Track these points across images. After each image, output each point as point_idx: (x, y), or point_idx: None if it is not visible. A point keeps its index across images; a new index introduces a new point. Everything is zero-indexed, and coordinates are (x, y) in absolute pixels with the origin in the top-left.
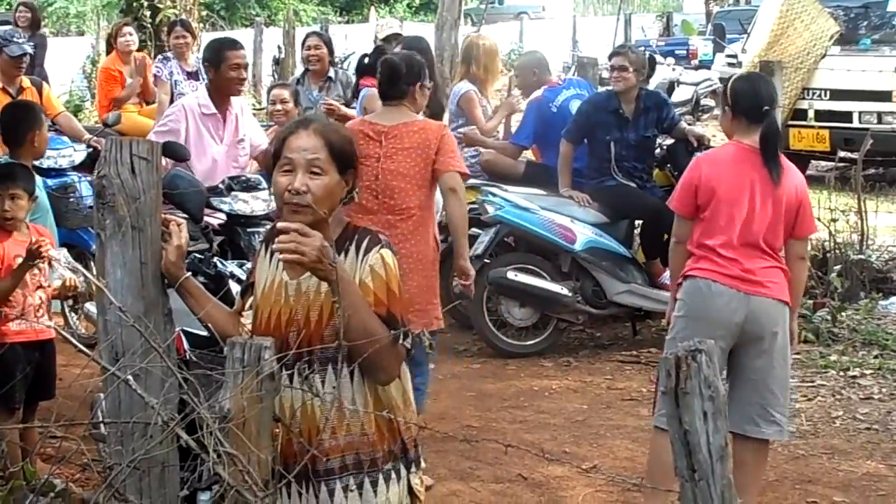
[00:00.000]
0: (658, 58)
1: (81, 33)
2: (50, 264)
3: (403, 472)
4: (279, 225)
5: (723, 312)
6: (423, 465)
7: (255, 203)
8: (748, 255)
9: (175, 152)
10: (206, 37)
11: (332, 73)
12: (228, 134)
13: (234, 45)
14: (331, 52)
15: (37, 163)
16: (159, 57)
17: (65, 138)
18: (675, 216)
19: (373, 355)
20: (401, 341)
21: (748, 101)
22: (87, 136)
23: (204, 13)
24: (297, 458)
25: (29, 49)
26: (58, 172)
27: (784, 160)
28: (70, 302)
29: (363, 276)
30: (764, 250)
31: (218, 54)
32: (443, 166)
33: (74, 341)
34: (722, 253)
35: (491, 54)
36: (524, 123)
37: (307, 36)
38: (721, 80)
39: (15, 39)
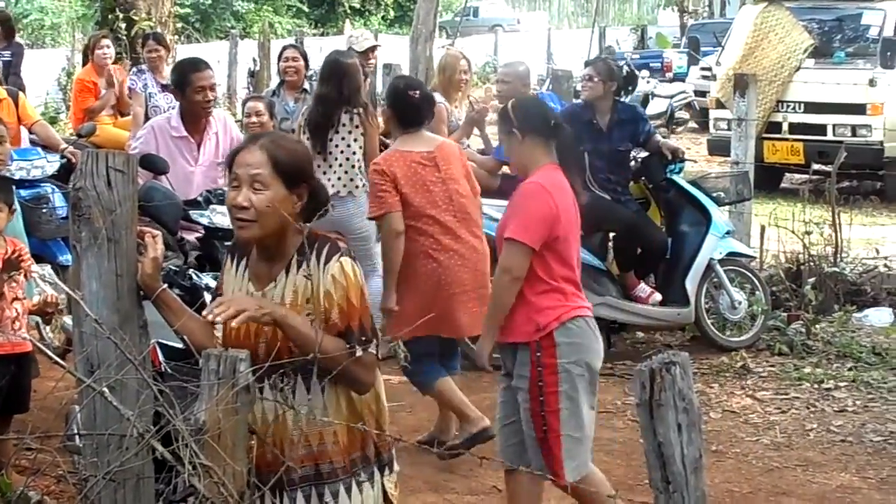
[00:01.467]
0: (635, 72)
1: (56, 45)
2: (26, 277)
3: (377, 475)
4: (205, 313)
5: (601, 347)
6: (396, 468)
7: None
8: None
9: (154, 165)
10: (181, 49)
11: (306, 86)
12: (205, 154)
13: (198, 66)
14: (307, 65)
15: (7, 173)
16: (134, 69)
17: (38, 149)
18: (513, 250)
19: (340, 372)
20: (365, 350)
21: (538, 118)
22: (64, 145)
23: (179, 25)
24: (270, 467)
25: (4, 56)
26: (30, 183)
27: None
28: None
29: (326, 286)
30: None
31: (182, 78)
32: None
33: (50, 353)
34: (580, 285)
35: (450, 67)
36: None
37: (285, 48)
38: (696, 92)
39: None
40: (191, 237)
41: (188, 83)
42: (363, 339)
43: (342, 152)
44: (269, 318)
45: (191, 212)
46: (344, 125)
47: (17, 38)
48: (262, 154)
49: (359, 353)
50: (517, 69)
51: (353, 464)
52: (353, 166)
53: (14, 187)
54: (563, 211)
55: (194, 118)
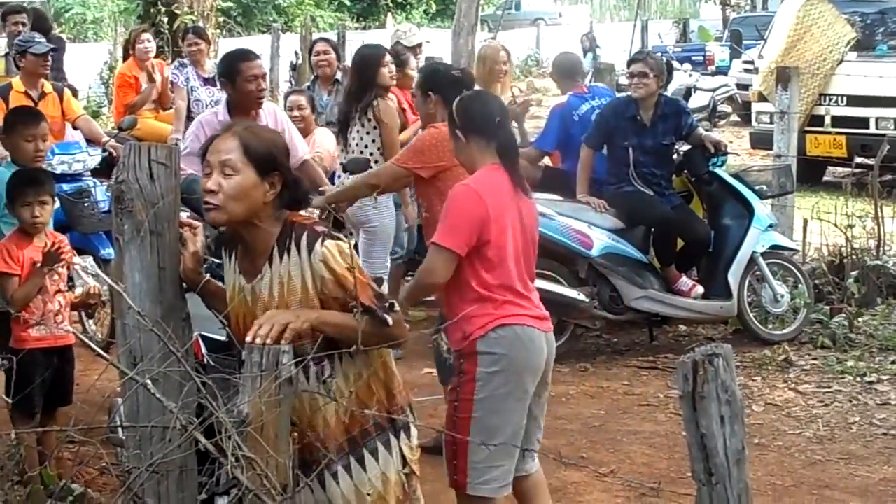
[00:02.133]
0: (675, 64)
1: (98, 40)
2: (69, 269)
3: (393, 441)
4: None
5: (540, 357)
6: (413, 431)
7: None
8: (530, 289)
9: None
10: (223, 43)
11: (339, 76)
12: None
13: (248, 56)
14: (339, 56)
15: (49, 167)
16: (175, 63)
17: (80, 143)
18: (437, 255)
19: (380, 341)
20: (391, 314)
21: (480, 116)
22: (106, 139)
23: (221, 19)
24: (301, 453)
25: (51, 47)
26: (72, 177)
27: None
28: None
29: (320, 272)
30: (532, 279)
31: (232, 68)
32: None
33: (93, 346)
34: (520, 292)
35: (489, 59)
36: (548, 129)
37: (315, 41)
38: (738, 85)
39: (37, 39)
40: None
41: (238, 73)
42: (384, 304)
43: (357, 145)
44: (308, 325)
45: None
46: (359, 119)
47: (58, 33)
48: (234, 140)
49: (389, 320)
50: (571, 59)
51: (364, 434)
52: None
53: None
54: (494, 213)
55: (244, 110)
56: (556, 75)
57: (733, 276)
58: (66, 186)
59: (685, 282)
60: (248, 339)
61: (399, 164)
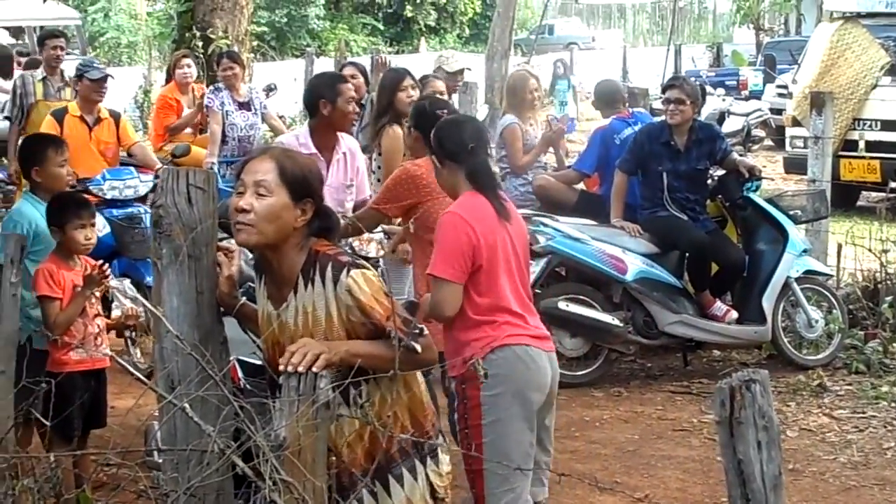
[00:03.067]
0: (708, 88)
1: (133, 63)
2: (107, 293)
3: (419, 467)
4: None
5: (543, 376)
6: (442, 457)
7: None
8: (528, 309)
9: None
10: (257, 67)
11: (364, 100)
12: (334, 175)
13: (345, 79)
14: (367, 81)
15: (100, 192)
16: (210, 88)
17: (132, 169)
18: (442, 288)
19: (410, 366)
20: (419, 339)
21: (452, 142)
22: (159, 165)
23: (255, 43)
24: (338, 478)
25: (107, 73)
26: (123, 203)
27: (503, 194)
28: (131, 334)
29: (347, 304)
30: (529, 298)
31: (333, 89)
32: None
33: (131, 369)
34: (517, 312)
35: (519, 87)
36: (588, 151)
37: (343, 66)
38: (772, 110)
39: (94, 65)
40: None
41: (340, 94)
42: (412, 330)
43: (374, 172)
44: (338, 358)
45: None
46: (376, 144)
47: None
48: (270, 162)
49: (418, 347)
50: (612, 87)
51: (389, 459)
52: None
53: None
54: (483, 239)
55: (331, 133)
56: (598, 102)
57: (767, 301)
58: (116, 212)
59: (719, 307)
60: (280, 366)
61: (374, 206)
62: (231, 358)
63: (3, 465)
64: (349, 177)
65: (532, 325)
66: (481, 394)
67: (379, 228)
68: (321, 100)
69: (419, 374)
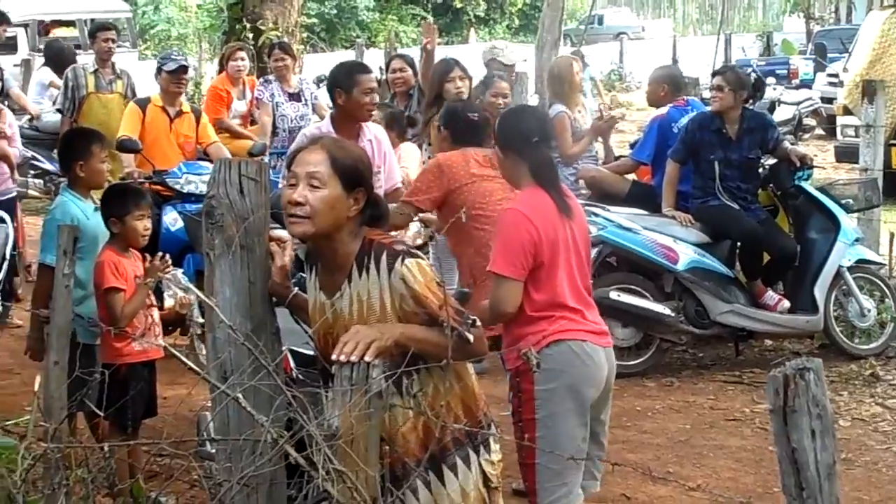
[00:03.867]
0: (762, 79)
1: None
2: (158, 283)
3: (472, 456)
4: (334, 356)
5: (599, 372)
6: (494, 446)
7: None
8: (587, 304)
9: None
10: (308, 59)
11: (414, 93)
12: None
13: (365, 68)
14: (415, 73)
15: (177, 185)
16: (261, 79)
17: (206, 164)
18: (502, 285)
19: (463, 356)
20: (472, 330)
21: (516, 134)
22: None
23: (304, 35)
24: (391, 467)
25: (185, 62)
26: (198, 198)
27: (566, 189)
28: (198, 331)
29: (400, 292)
30: (589, 293)
31: (349, 78)
32: None
33: (184, 359)
34: (574, 307)
35: (564, 73)
36: (646, 140)
37: (391, 59)
38: (822, 99)
39: (172, 57)
40: None
41: (356, 84)
42: (464, 321)
43: (425, 162)
44: (392, 342)
45: None
46: (426, 134)
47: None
48: (322, 153)
49: (470, 337)
50: (672, 72)
51: (443, 449)
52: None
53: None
54: (545, 237)
55: (351, 122)
56: (668, 87)
57: (819, 291)
58: (191, 207)
59: (771, 296)
60: (334, 356)
61: (405, 198)
62: (283, 348)
63: (57, 456)
64: (376, 163)
65: (590, 320)
66: (535, 388)
67: (416, 218)
68: (337, 89)
69: (470, 365)
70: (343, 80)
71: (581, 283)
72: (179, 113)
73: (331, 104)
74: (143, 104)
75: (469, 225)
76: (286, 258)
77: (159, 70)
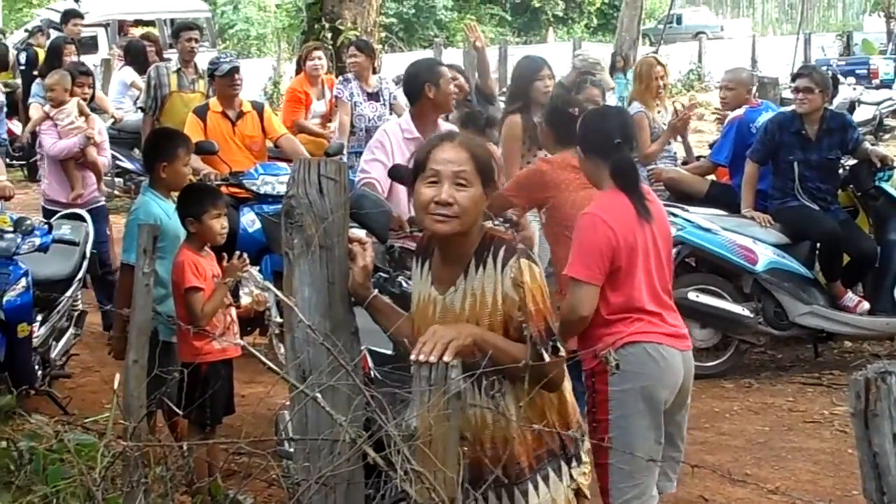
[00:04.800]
0: (839, 77)
1: (262, 55)
2: (239, 282)
3: (564, 468)
4: (413, 357)
5: (673, 375)
6: (585, 459)
7: None
8: (666, 307)
9: (403, 177)
10: (386, 58)
11: (470, 97)
12: None
13: (441, 63)
14: (466, 79)
15: (254, 187)
16: (340, 78)
17: (282, 164)
18: (579, 289)
19: (532, 375)
20: (553, 351)
21: (597, 135)
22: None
23: (383, 34)
24: (471, 468)
25: (236, 62)
26: (275, 199)
27: (647, 191)
28: (277, 330)
29: (506, 289)
30: (669, 296)
31: (434, 72)
32: None
33: (263, 359)
34: (652, 310)
35: (645, 74)
36: (724, 141)
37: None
38: None
39: (222, 60)
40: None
41: (441, 75)
42: (550, 339)
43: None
44: (471, 341)
45: None
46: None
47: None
48: (463, 151)
49: (546, 356)
50: (740, 75)
51: (538, 459)
52: None
53: (258, 203)
54: (623, 241)
55: (433, 117)
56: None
57: None
58: (267, 208)
59: (851, 297)
60: (412, 356)
61: (504, 192)
62: (362, 347)
63: (137, 454)
64: None
65: (668, 323)
66: (610, 389)
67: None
68: (426, 83)
69: (568, 381)
70: (429, 75)
71: (660, 286)
72: (241, 114)
73: (407, 103)
74: (202, 112)
75: (565, 235)
76: (368, 258)
77: (211, 76)
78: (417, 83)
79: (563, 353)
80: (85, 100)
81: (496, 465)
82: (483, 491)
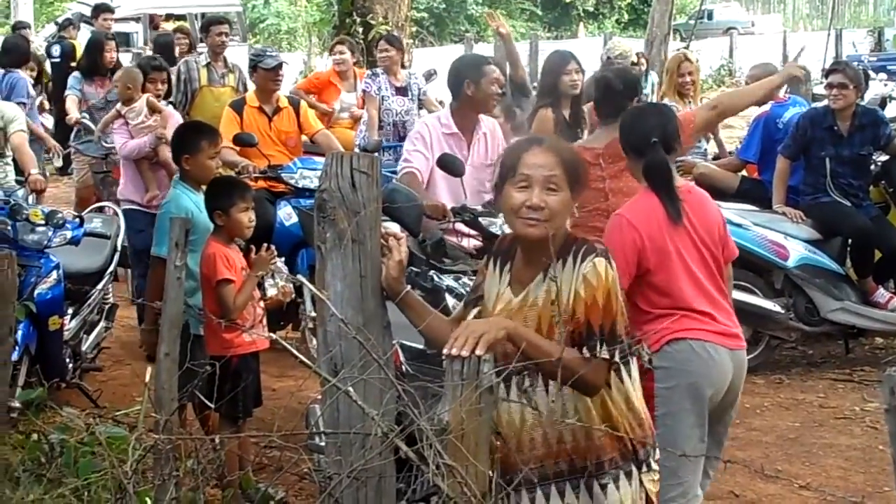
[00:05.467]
0: (870, 73)
1: (293, 49)
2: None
3: (635, 472)
4: (445, 351)
5: (720, 373)
6: (654, 466)
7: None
8: (717, 305)
9: (452, 167)
10: (417, 53)
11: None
12: (476, 155)
13: (489, 61)
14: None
15: (292, 180)
16: (368, 72)
17: (320, 159)
18: None
19: (565, 375)
20: (593, 354)
21: (635, 134)
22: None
23: (414, 29)
24: (515, 467)
25: (282, 61)
26: (312, 193)
27: (685, 190)
28: (310, 324)
29: (577, 286)
30: (722, 293)
31: (478, 70)
32: None
33: (295, 352)
34: (701, 309)
35: (671, 70)
36: (751, 138)
37: None
38: None
39: (268, 53)
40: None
41: (484, 74)
42: (601, 340)
43: None
44: (504, 334)
45: (480, 218)
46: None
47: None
48: (553, 156)
49: (586, 354)
50: (767, 70)
51: (607, 462)
52: None
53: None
54: (650, 243)
55: (473, 114)
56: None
57: None
58: (304, 202)
59: (882, 294)
60: (444, 350)
61: None
62: (394, 342)
63: (168, 447)
64: (489, 156)
65: (720, 322)
66: (656, 385)
67: None
68: (466, 80)
69: (636, 382)
70: (472, 72)
71: (712, 285)
72: (277, 110)
73: (439, 99)
74: (239, 106)
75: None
76: (402, 253)
77: (254, 67)
78: (459, 79)
79: (603, 356)
80: (158, 97)
81: (577, 456)
82: (530, 490)
